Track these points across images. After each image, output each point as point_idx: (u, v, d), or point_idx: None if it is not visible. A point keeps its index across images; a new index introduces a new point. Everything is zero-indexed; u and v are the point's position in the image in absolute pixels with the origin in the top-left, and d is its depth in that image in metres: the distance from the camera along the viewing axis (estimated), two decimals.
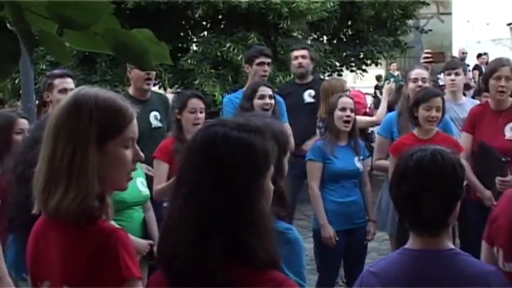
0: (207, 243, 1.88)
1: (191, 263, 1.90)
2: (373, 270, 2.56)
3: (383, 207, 6.00)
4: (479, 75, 19.03)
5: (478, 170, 5.47)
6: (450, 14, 25.22)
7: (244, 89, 6.56)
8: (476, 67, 19.35)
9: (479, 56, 19.44)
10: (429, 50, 6.64)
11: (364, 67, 13.49)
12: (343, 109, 5.60)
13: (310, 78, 7.39)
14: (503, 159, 5.25)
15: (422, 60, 6.51)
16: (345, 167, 5.60)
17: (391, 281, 2.47)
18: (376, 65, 13.67)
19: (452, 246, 2.53)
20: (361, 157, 5.70)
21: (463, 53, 19.58)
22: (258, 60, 6.59)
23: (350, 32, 13.07)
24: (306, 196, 5.99)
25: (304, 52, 7.40)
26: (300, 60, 7.31)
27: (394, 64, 21.31)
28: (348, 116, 5.58)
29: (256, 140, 1.96)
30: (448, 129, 5.81)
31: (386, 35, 12.97)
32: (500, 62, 5.72)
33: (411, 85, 6.00)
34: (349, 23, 13.00)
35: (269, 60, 6.69)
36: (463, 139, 5.68)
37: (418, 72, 6.11)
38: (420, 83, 5.96)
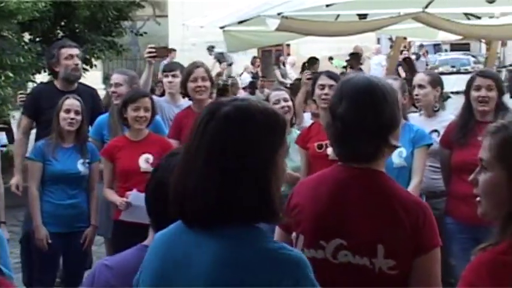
0: None
1: None
2: (108, 263, 2.53)
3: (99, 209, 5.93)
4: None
5: None
6: (166, 16, 25.60)
7: None
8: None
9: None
10: (153, 45, 6.63)
11: (85, 66, 13.18)
12: (68, 111, 5.53)
13: (76, 84, 6.44)
14: None
15: (146, 55, 6.51)
16: (65, 169, 5.48)
17: (126, 274, 2.43)
18: (91, 66, 13.39)
19: None
20: (87, 160, 5.59)
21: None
22: None
23: (65, 33, 12.68)
24: (22, 202, 5.79)
25: (77, 51, 6.42)
26: (77, 60, 6.31)
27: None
28: (72, 119, 5.51)
29: None
30: (160, 130, 5.93)
31: (105, 36, 12.79)
32: (195, 64, 6.02)
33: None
34: (64, 23, 12.63)
35: None
36: None
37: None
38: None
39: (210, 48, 19.99)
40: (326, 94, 5.17)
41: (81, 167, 5.55)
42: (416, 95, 5.61)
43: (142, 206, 2.58)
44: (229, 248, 2.00)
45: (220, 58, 20.62)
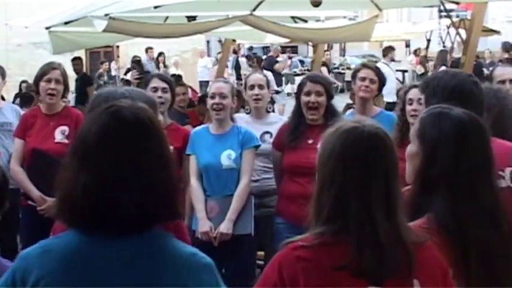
0: None
1: None
2: None
3: None
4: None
5: (33, 175, 5.54)
6: None
7: None
8: None
9: None
10: None
11: None
12: None
13: None
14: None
15: None
16: None
17: None
18: None
19: None
20: None
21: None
22: None
23: None
24: None
25: None
26: None
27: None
28: None
29: None
30: None
31: None
32: (52, 65, 5.81)
33: None
34: None
35: None
36: (15, 144, 5.74)
37: None
38: None
39: None
40: (160, 97, 5.26)
41: None
42: (257, 94, 5.63)
43: None
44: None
45: None
